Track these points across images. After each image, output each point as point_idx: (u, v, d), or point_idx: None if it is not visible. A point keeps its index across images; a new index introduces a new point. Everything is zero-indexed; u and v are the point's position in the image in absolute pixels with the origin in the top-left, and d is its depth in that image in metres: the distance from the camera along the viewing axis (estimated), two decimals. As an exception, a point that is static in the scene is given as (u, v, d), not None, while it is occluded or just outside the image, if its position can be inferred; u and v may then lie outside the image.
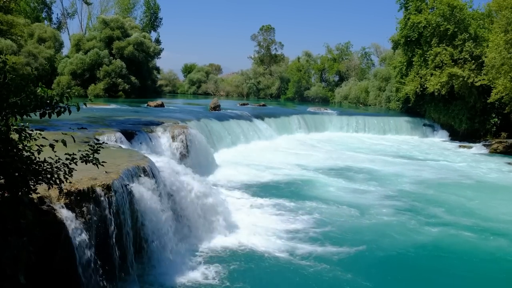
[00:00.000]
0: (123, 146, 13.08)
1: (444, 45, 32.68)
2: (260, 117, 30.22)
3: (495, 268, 10.06)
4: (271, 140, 27.48)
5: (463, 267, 9.96)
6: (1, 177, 4.68)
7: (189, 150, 16.84)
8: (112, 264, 7.40)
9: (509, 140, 29.66)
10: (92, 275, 6.78)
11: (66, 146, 5.04)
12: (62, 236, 6.32)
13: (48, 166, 5.08)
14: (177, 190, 10.24)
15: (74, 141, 5.84)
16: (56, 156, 5.25)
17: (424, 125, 36.52)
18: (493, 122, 32.28)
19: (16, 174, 4.70)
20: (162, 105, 32.73)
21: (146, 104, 33.77)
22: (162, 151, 15.80)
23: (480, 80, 29.62)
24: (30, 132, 4.84)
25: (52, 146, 4.99)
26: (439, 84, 32.08)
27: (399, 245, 10.88)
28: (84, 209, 6.88)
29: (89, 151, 5.42)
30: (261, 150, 24.17)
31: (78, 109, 4.92)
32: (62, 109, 4.85)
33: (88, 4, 67.04)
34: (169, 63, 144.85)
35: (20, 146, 4.76)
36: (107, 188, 7.46)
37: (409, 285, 9.17)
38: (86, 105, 5.42)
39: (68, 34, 64.35)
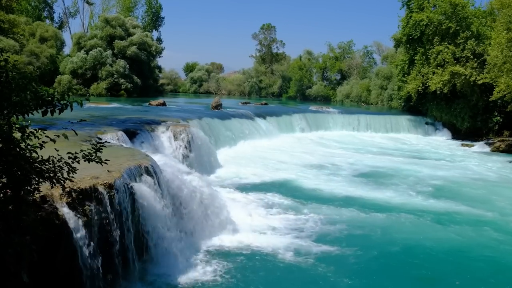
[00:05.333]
0: (125, 145, 13.09)
1: (446, 43, 32.63)
2: (262, 116, 30.22)
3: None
4: (273, 139, 27.46)
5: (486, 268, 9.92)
6: (4, 176, 4.69)
7: (191, 149, 16.85)
8: (114, 263, 7.41)
9: (512, 139, 29.67)
10: (94, 274, 6.79)
11: (67, 139, 5.04)
12: (65, 235, 6.33)
13: (51, 165, 5.08)
14: (179, 189, 10.24)
15: (76, 134, 5.84)
16: (58, 155, 5.26)
17: (426, 123, 36.51)
18: (495, 121, 32.21)
19: (19, 173, 4.70)
20: (163, 104, 32.77)
21: (148, 103, 33.81)
22: (164, 150, 15.81)
23: (482, 79, 29.55)
24: (33, 130, 4.84)
25: (53, 140, 4.98)
26: (441, 82, 32.03)
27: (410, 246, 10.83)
28: (86, 208, 6.88)
29: (91, 150, 5.42)
30: (263, 149, 24.17)
31: (81, 105, 4.91)
32: (64, 106, 4.85)
33: (90, 4, 67.17)
34: (170, 62, 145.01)
35: (23, 145, 4.76)
36: (109, 187, 7.46)
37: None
38: (89, 100, 5.40)
39: (70, 33, 64.49)
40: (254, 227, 11.34)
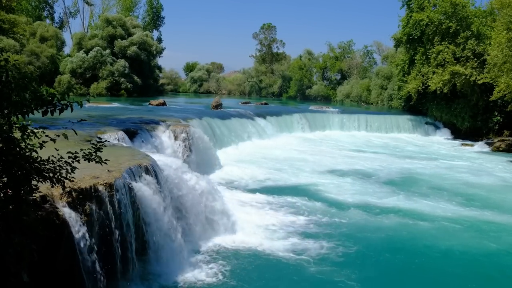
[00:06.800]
0: (125, 145, 13.09)
1: (446, 43, 32.60)
2: (262, 115, 30.22)
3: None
4: (273, 138, 27.46)
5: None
6: (4, 175, 4.69)
7: (191, 149, 16.84)
8: (114, 263, 7.40)
9: (512, 138, 29.66)
10: (94, 274, 6.79)
11: (67, 139, 5.04)
12: (65, 235, 6.32)
13: (51, 165, 5.08)
14: (179, 188, 10.24)
15: (76, 134, 5.84)
16: (58, 154, 5.26)
17: (427, 123, 36.50)
18: (495, 120, 32.18)
19: (19, 172, 4.70)
20: (164, 104, 32.79)
21: (148, 103, 33.84)
22: (164, 149, 15.81)
23: (482, 78, 29.52)
24: (34, 130, 4.84)
25: (53, 140, 4.98)
26: (441, 82, 32.01)
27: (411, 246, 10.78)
28: (87, 207, 6.88)
29: (91, 150, 5.41)
30: (263, 148, 24.15)
31: (81, 105, 4.91)
32: (64, 107, 4.85)
33: (89, 5, 67.15)
34: (170, 62, 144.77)
35: (23, 145, 4.76)
36: (110, 186, 7.46)
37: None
38: (89, 101, 5.39)
39: (70, 33, 64.41)
40: (253, 226, 11.33)
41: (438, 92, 32.83)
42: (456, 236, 11.63)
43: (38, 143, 4.92)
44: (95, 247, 6.85)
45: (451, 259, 10.22)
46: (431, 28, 33.01)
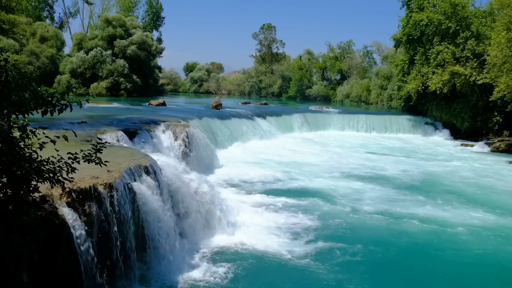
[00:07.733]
0: (125, 145, 13.09)
1: (446, 43, 32.62)
2: (262, 115, 30.23)
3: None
4: (273, 139, 27.46)
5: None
6: (4, 175, 4.69)
7: (191, 149, 16.85)
8: (114, 263, 7.40)
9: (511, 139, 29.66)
10: (94, 274, 6.79)
11: (67, 141, 5.04)
12: (65, 235, 6.33)
13: (51, 165, 5.08)
14: (179, 188, 10.24)
15: (76, 136, 5.84)
16: (58, 155, 5.26)
17: (426, 123, 36.53)
18: (495, 121, 32.19)
19: (18, 172, 4.70)
20: (164, 104, 32.79)
21: (148, 103, 33.84)
22: (164, 149, 15.81)
23: (482, 79, 29.51)
24: (34, 130, 4.84)
25: (53, 142, 4.99)
26: (441, 82, 32.02)
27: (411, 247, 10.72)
28: (86, 208, 6.88)
29: (91, 150, 5.42)
30: (263, 149, 24.14)
31: (81, 106, 4.91)
32: (64, 107, 4.85)
33: (89, 4, 67.19)
34: (170, 62, 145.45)
35: (22, 145, 4.76)
36: (109, 187, 7.46)
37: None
38: (88, 102, 5.39)
39: (70, 33, 64.51)
40: (253, 226, 11.32)
41: (438, 92, 32.85)
42: (486, 243, 11.26)
43: (38, 143, 4.92)
44: (95, 247, 6.85)
45: (482, 267, 9.93)
46: (430, 28, 33.03)
